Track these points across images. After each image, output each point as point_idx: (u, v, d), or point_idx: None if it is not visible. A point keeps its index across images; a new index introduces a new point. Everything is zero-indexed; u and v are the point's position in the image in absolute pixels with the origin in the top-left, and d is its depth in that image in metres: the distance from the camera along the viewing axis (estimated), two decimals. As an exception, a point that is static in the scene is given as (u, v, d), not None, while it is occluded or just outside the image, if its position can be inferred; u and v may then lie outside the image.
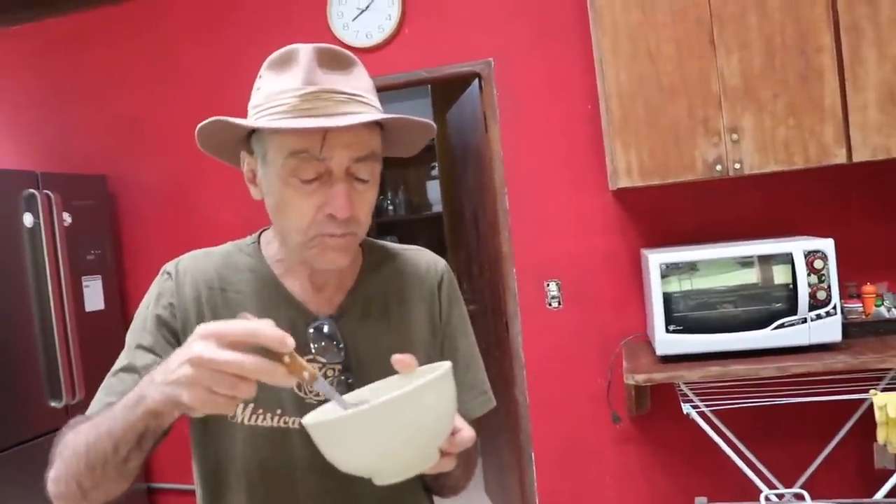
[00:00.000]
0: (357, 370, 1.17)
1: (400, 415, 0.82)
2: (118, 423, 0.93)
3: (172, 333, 1.15)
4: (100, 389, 1.14)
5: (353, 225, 1.10)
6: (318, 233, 1.08)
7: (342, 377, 1.16)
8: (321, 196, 1.07)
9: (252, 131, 1.12)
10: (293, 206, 1.08)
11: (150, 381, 0.89)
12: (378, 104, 1.12)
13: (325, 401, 1.14)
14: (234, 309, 1.17)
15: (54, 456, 1.02)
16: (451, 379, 0.89)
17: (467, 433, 0.96)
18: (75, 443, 0.99)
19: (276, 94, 1.06)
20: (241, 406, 1.13)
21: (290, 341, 0.82)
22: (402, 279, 1.28)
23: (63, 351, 3.44)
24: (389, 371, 1.19)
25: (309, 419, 0.86)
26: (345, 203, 1.06)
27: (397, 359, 0.97)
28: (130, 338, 1.17)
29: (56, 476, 1.00)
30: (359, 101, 1.07)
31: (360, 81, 1.10)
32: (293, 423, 1.14)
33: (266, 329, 0.81)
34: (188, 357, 0.81)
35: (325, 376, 1.15)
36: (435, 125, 1.16)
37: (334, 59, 1.09)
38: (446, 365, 0.90)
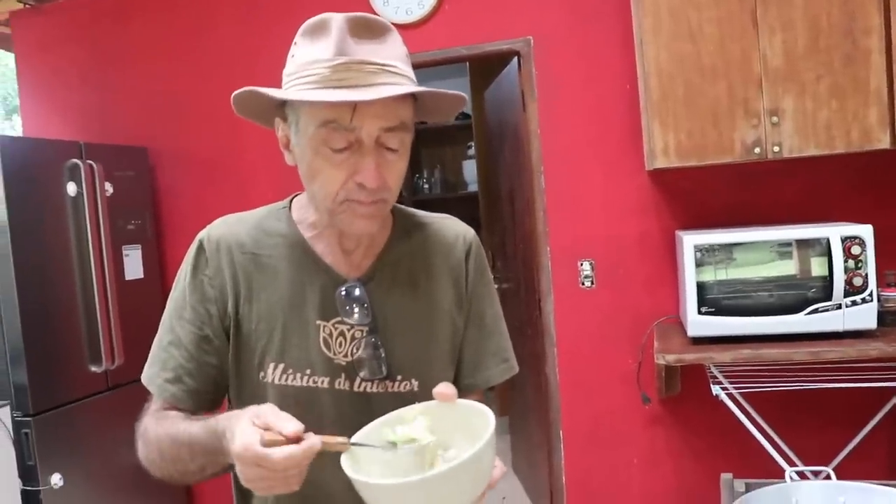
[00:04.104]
0: (384, 333, 1.20)
1: (448, 484, 0.87)
2: (199, 457, 1.06)
3: (211, 303, 1.20)
4: (151, 362, 1.21)
5: (384, 192, 1.12)
6: (346, 198, 1.11)
7: (369, 339, 1.19)
8: (351, 165, 1.09)
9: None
10: (324, 174, 1.11)
11: (220, 441, 0.99)
12: (411, 73, 1.14)
13: (353, 361, 1.18)
14: (266, 273, 1.21)
15: (138, 436, 1.18)
16: (493, 438, 0.92)
17: (499, 471, 1.01)
18: (159, 447, 1.13)
19: (309, 64, 1.08)
20: (272, 366, 1.18)
21: (316, 446, 0.90)
22: (430, 246, 1.31)
23: (104, 318, 3.50)
24: (415, 335, 1.23)
25: (355, 475, 0.90)
26: (374, 173, 1.09)
27: (439, 391, 1.02)
28: (171, 309, 1.22)
29: (148, 460, 1.16)
30: (390, 71, 1.09)
31: (392, 50, 1.11)
32: (322, 382, 1.18)
33: (296, 452, 0.89)
34: (241, 475, 0.93)
35: (353, 337, 1.19)
36: (465, 96, 1.18)
37: (367, 28, 1.10)
38: (490, 420, 0.93)
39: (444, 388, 1.02)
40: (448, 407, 1.01)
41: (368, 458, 0.96)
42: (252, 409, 0.95)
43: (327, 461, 0.94)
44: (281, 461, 0.87)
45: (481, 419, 0.93)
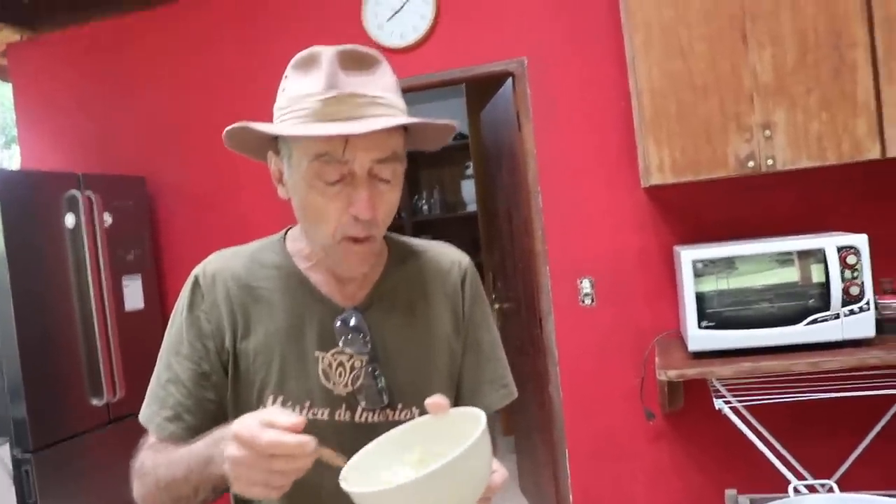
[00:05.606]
0: (383, 361, 1.21)
1: (442, 484, 0.85)
2: (194, 474, 1.03)
3: (208, 338, 1.20)
4: (150, 400, 1.21)
5: (373, 227, 1.13)
6: (343, 235, 1.12)
7: (368, 368, 1.19)
8: (344, 198, 1.10)
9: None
10: (318, 208, 1.12)
11: (215, 446, 0.98)
12: (402, 104, 1.15)
13: (353, 391, 1.19)
14: (262, 305, 1.21)
15: (133, 474, 1.17)
16: (488, 437, 0.91)
17: (500, 477, 0.99)
18: (155, 476, 1.11)
19: (300, 98, 1.10)
20: (271, 399, 1.18)
21: (310, 444, 0.89)
22: (426, 274, 1.31)
23: (104, 350, 3.51)
24: (414, 363, 1.24)
25: (350, 487, 0.89)
26: (367, 205, 1.10)
27: (431, 402, 1.00)
28: (168, 345, 1.23)
29: (143, 496, 1.15)
30: (381, 103, 1.10)
31: (383, 81, 1.13)
32: (322, 413, 1.18)
33: (287, 439, 0.87)
34: (226, 456, 0.91)
35: (353, 367, 1.19)
36: (455, 124, 1.19)
37: (357, 61, 1.12)
38: (481, 420, 0.92)
39: (437, 399, 1.00)
40: (441, 419, 1.00)
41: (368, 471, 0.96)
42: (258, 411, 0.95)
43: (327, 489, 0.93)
44: (268, 443, 0.86)
45: (473, 423, 0.92)
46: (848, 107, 2.76)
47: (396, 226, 6.28)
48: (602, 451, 3.50)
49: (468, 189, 6.30)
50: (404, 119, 1.11)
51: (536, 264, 3.57)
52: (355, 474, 0.93)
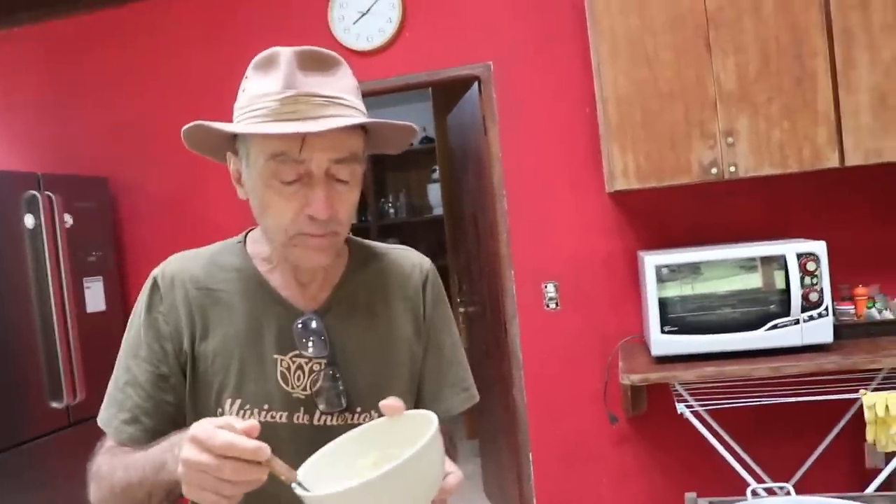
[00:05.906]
0: (343, 364, 1.20)
1: (393, 486, 0.85)
2: (148, 478, 1.02)
3: (167, 340, 1.19)
4: (108, 403, 1.20)
5: (334, 224, 1.12)
6: (298, 231, 1.11)
7: (328, 371, 1.19)
8: (301, 197, 1.10)
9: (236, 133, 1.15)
10: (274, 207, 1.11)
11: (170, 451, 0.96)
12: (360, 105, 1.14)
13: (312, 395, 1.18)
14: (221, 308, 1.21)
15: (90, 478, 1.15)
16: (440, 439, 0.90)
17: (454, 479, 0.98)
18: (111, 480, 1.09)
19: (258, 97, 1.09)
20: (229, 402, 1.17)
21: (266, 451, 0.86)
22: (387, 277, 1.31)
23: (64, 352, 3.45)
24: (374, 366, 1.23)
25: (302, 491, 0.88)
26: (324, 205, 1.09)
27: (385, 404, 0.99)
28: (127, 348, 1.22)
29: (99, 501, 1.13)
30: (339, 103, 1.10)
31: (342, 82, 1.13)
32: (280, 417, 1.17)
33: (242, 442, 0.85)
34: (180, 458, 0.88)
35: (312, 370, 1.19)
36: (416, 127, 1.19)
37: (316, 61, 1.12)
38: (433, 422, 0.91)
39: (392, 402, 1.00)
40: (396, 421, 1.00)
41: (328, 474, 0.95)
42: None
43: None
44: (222, 444, 0.84)
45: (427, 426, 0.91)
46: (809, 115, 2.81)
47: (362, 229, 6.30)
48: (566, 454, 3.52)
49: (434, 192, 6.30)
50: (361, 118, 1.11)
51: (501, 268, 3.58)
52: (308, 478, 0.93)
